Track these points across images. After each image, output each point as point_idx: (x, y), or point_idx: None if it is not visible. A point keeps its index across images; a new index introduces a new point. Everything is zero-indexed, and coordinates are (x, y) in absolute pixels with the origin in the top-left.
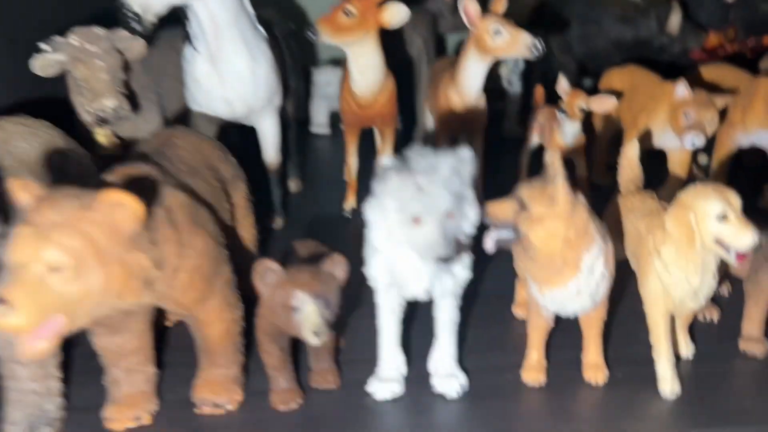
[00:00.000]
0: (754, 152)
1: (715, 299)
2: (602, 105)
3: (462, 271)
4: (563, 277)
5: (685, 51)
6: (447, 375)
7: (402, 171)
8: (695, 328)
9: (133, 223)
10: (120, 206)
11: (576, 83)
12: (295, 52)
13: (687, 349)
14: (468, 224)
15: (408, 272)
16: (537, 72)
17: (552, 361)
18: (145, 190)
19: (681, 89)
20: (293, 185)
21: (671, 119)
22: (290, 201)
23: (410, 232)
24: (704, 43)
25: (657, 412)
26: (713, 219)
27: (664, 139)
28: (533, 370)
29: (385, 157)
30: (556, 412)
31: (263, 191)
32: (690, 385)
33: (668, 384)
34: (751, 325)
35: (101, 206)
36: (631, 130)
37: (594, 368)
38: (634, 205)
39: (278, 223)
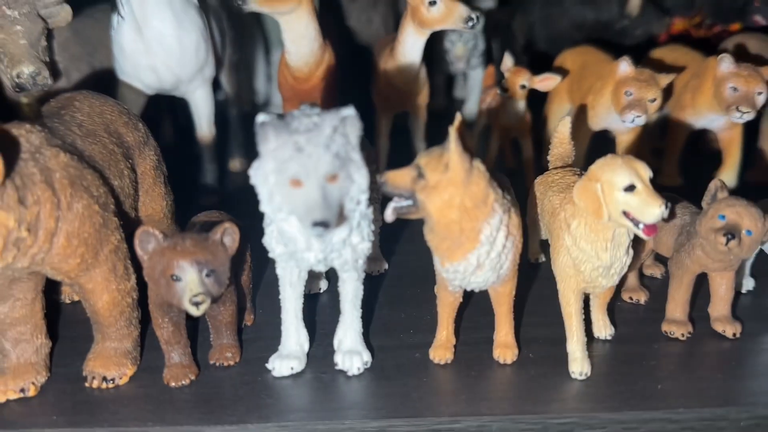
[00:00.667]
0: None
1: (646, 283)
2: (545, 84)
3: (361, 242)
4: (463, 249)
5: (648, 35)
6: (350, 351)
7: (280, 129)
8: (621, 309)
9: None
10: None
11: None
12: (234, 23)
13: (605, 331)
14: (356, 189)
15: (298, 241)
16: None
17: (465, 341)
18: (17, 144)
19: (623, 66)
20: (236, 163)
21: (613, 97)
22: (233, 178)
23: (289, 194)
24: (669, 28)
25: (564, 393)
26: (620, 190)
27: (610, 120)
28: (441, 348)
29: (261, 114)
30: (460, 390)
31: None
32: (605, 366)
33: (578, 365)
34: (674, 306)
35: None
36: (578, 110)
37: (503, 347)
38: (554, 180)
39: (210, 200)
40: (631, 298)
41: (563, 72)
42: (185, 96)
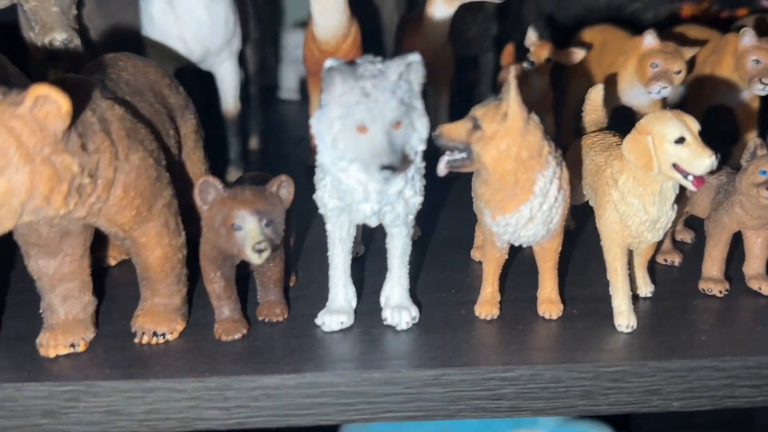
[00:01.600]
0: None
1: (679, 246)
2: (570, 57)
3: (413, 196)
4: (517, 200)
5: (658, 19)
6: (398, 306)
7: (347, 75)
8: (657, 271)
9: (60, 120)
10: (47, 100)
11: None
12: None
13: (646, 288)
14: (417, 138)
15: (356, 191)
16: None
17: (509, 299)
18: (77, 93)
19: (648, 39)
20: (253, 142)
21: (638, 70)
22: (251, 158)
23: (355, 140)
24: (678, 12)
25: (612, 344)
26: (671, 142)
27: (633, 95)
28: (487, 304)
29: (329, 60)
30: (506, 342)
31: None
32: (647, 320)
33: (625, 318)
34: (711, 264)
35: (28, 101)
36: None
37: (548, 303)
38: (594, 142)
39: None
40: (665, 260)
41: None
42: (212, 69)
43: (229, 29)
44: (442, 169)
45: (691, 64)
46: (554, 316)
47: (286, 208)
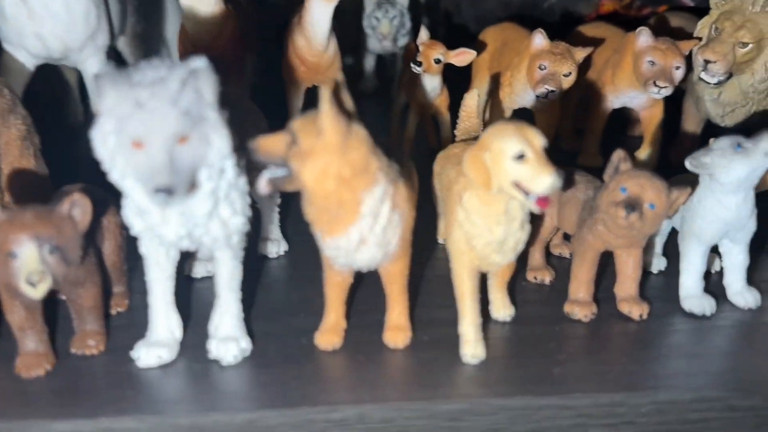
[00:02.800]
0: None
1: (553, 263)
2: (460, 58)
3: (232, 216)
4: (343, 222)
5: (575, 14)
6: (225, 338)
7: (119, 83)
8: (525, 290)
9: None
10: None
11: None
12: None
13: (504, 312)
14: (215, 154)
15: (152, 213)
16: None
17: (358, 324)
18: None
19: (538, 39)
20: None
21: (527, 71)
22: None
23: (133, 157)
24: (598, 8)
25: (454, 378)
26: (510, 159)
27: (528, 97)
28: (328, 333)
29: (99, 66)
30: (344, 377)
31: None
32: (502, 349)
33: (471, 347)
34: (577, 286)
35: None
36: (502, 87)
37: (395, 330)
38: (453, 153)
39: None
40: (535, 278)
41: (485, 48)
42: (77, 66)
43: (91, 24)
44: (263, 186)
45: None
46: (400, 345)
47: (81, 231)
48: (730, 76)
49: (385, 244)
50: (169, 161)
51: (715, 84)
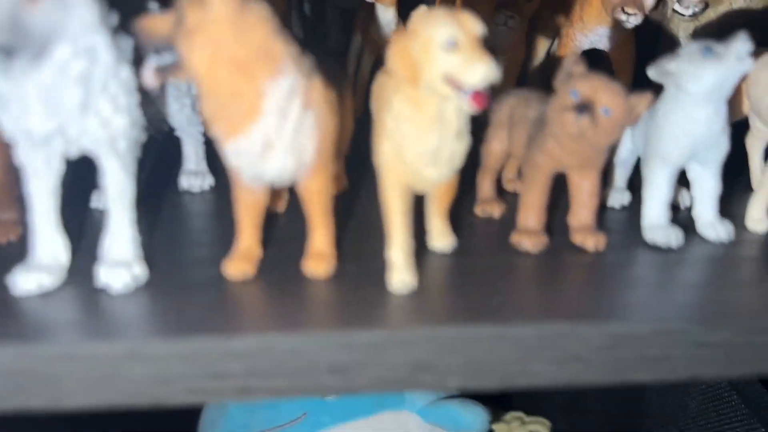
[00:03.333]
0: None
1: (508, 199)
2: None
3: (116, 115)
4: (243, 121)
5: None
6: (116, 263)
7: None
8: (473, 224)
9: None
10: None
11: None
12: None
13: (443, 240)
14: (78, 26)
15: (13, 100)
16: None
17: (276, 255)
18: None
19: None
20: None
21: None
22: None
23: None
24: None
25: (380, 308)
26: (440, 47)
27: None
28: (239, 260)
29: None
30: (251, 306)
31: None
32: (436, 279)
33: (398, 273)
34: (525, 214)
35: None
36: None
37: (317, 257)
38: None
39: None
40: (484, 211)
41: None
42: None
43: None
44: (149, 76)
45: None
46: (321, 275)
47: None
48: (706, 6)
49: (297, 150)
50: (9, 18)
51: (690, 16)
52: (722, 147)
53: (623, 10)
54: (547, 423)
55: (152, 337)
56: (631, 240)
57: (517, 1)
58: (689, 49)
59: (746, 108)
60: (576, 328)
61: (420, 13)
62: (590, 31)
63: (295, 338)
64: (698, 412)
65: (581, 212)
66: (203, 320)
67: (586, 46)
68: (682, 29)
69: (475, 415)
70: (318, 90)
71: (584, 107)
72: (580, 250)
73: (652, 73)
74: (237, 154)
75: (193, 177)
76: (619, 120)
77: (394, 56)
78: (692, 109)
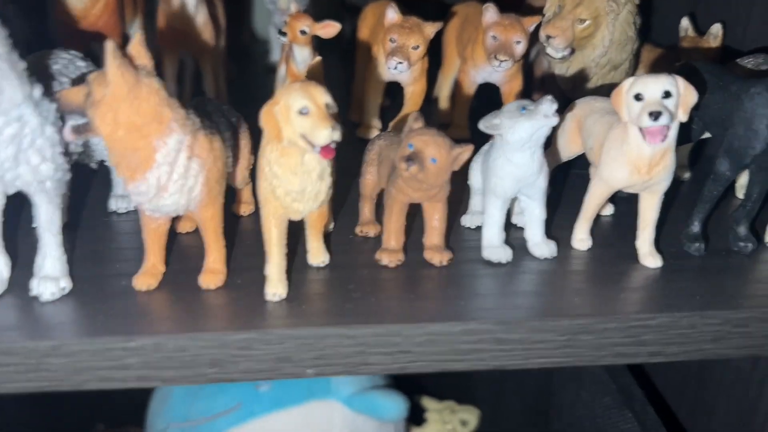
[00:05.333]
0: None
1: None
2: (326, 30)
3: (42, 164)
4: (140, 169)
5: None
6: (46, 277)
7: None
8: (353, 243)
9: None
10: None
11: None
12: None
13: (318, 258)
14: (5, 101)
15: None
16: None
17: (179, 269)
18: None
19: (390, 13)
20: None
21: (380, 45)
22: None
23: None
24: None
25: (253, 313)
26: (295, 113)
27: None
28: (146, 275)
29: None
30: (150, 312)
31: None
32: (305, 290)
33: (273, 286)
34: (387, 236)
35: None
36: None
37: (210, 273)
38: None
39: None
40: (361, 231)
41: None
42: None
43: None
44: (67, 133)
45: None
46: (212, 287)
47: None
48: (573, 51)
49: (186, 190)
50: None
51: (560, 58)
52: (540, 184)
53: (495, 56)
54: (476, 411)
55: (71, 337)
56: (476, 257)
57: (405, 51)
58: (509, 106)
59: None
60: (403, 328)
61: (283, 86)
62: (480, 68)
63: (182, 338)
64: (589, 399)
65: (432, 234)
66: (112, 324)
67: (480, 80)
68: (557, 68)
69: (395, 404)
70: (201, 143)
71: (411, 159)
72: (430, 265)
73: (481, 125)
74: (137, 193)
75: (120, 200)
76: (444, 166)
77: (263, 118)
78: (512, 154)
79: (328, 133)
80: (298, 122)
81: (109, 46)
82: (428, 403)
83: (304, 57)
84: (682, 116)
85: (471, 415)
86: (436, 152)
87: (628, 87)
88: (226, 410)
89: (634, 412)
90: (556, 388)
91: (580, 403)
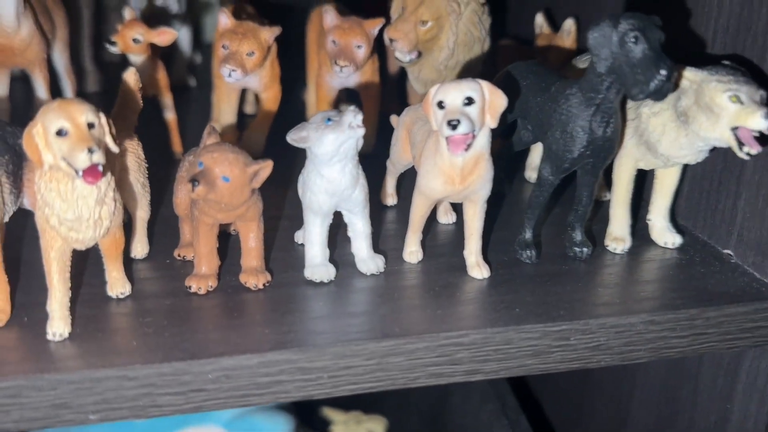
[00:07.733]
0: None
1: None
2: (162, 38)
3: None
4: None
5: None
6: None
7: None
8: (171, 267)
9: None
10: None
11: None
12: None
13: (117, 290)
14: None
15: None
16: None
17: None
18: None
19: (223, 19)
20: None
21: (214, 52)
22: None
23: None
24: None
25: (39, 355)
26: (53, 135)
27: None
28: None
29: None
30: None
31: None
32: (96, 324)
33: (54, 325)
34: (198, 260)
35: None
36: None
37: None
38: None
39: None
40: (179, 255)
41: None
42: None
43: None
44: None
45: None
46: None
47: None
48: (420, 53)
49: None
50: None
51: (408, 62)
52: (358, 198)
53: (336, 62)
54: (384, 420)
55: None
56: (300, 277)
57: (238, 58)
58: (315, 118)
59: None
60: (191, 365)
61: (43, 106)
62: (334, 73)
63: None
64: (477, 406)
65: (248, 256)
66: None
67: (337, 85)
68: (409, 72)
69: (279, 425)
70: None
71: (196, 179)
72: (246, 289)
73: (289, 138)
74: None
75: None
76: (239, 185)
77: (24, 142)
78: (322, 168)
79: (84, 156)
80: (57, 145)
81: None
82: (332, 414)
83: (146, 66)
84: (491, 122)
85: (378, 425)
86: (228, 170)
87: (434, 94)
88: None
89: (508, 420)
90: (451, 396)
91: (469, 411)
